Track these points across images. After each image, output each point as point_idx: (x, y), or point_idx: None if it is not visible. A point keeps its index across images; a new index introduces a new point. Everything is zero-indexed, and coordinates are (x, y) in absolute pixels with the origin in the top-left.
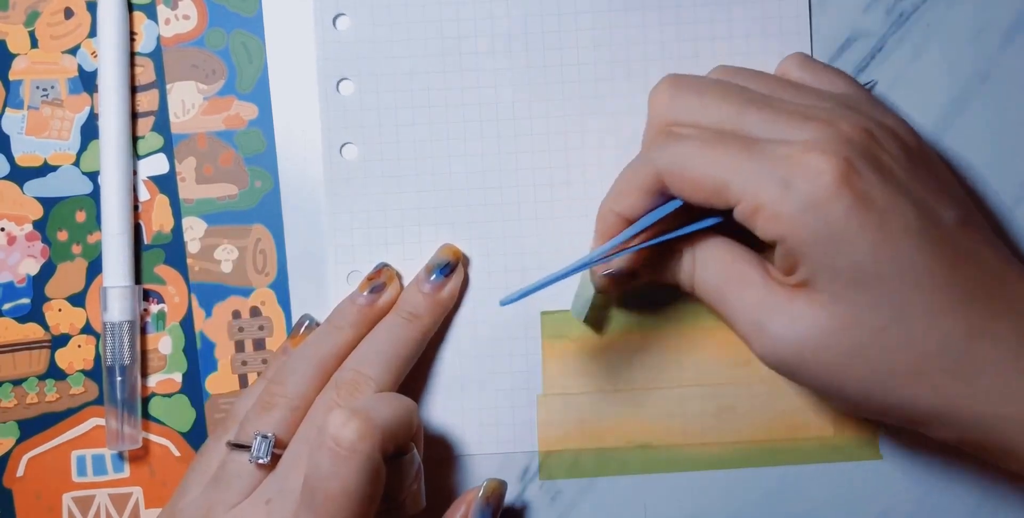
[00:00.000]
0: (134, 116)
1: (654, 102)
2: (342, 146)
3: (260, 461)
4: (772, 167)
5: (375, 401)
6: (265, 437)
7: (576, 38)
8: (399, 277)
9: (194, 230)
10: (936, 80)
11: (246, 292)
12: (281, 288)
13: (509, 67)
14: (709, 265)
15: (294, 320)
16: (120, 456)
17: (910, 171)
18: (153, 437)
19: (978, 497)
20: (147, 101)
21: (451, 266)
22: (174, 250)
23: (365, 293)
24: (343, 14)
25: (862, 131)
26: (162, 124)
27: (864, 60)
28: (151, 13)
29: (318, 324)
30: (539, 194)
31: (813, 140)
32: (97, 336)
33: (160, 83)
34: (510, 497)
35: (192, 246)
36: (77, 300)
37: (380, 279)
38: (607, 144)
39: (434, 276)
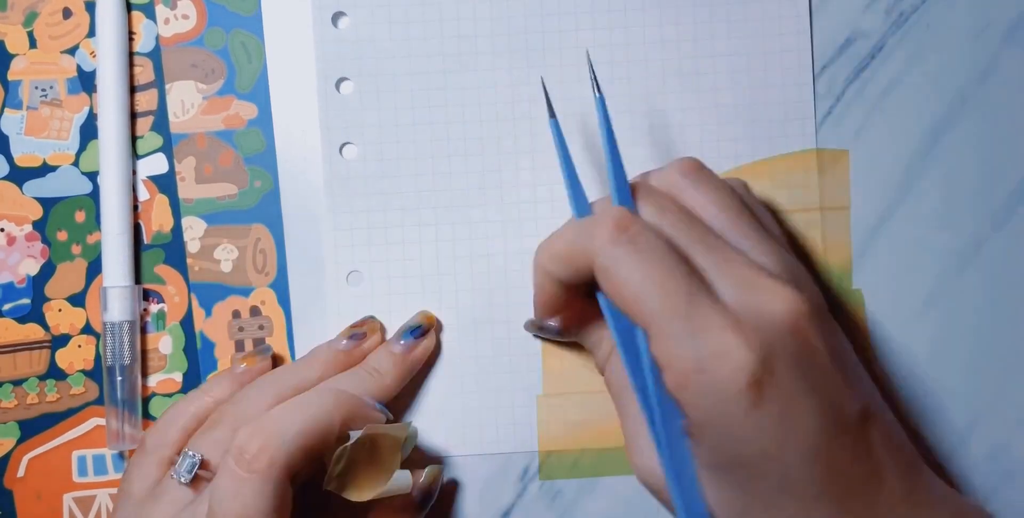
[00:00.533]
0: (133, 116)
1: (664, 179)
2: (342, 146)
3: (181, 480)
4: (701, 334)
5: (290, 409)
6: (190, 456)
7: (576, 38)
8: (383, 331)
9: (194, 230)
10: (936, 80)
11: (246, 292)
12: (281, 288)
13: (509, 67)
14: (619, 365)
15: (295, 320)
16: (121, 456)
17: (827, 364)
18: None
19: (978, 497)
20: (146, 101)
21: (423, 329)
22: (174, 250)
23: (344, 340)
24: (343, 13)
25: (799, 316)
26: (161, 124)
27: (864, 60)
28: (149, 13)
29: (270, 353)
30: (539, 194)
31: (748, 319)
32: (97, 336)
33: (159, 83)
34: (510, 497)
35: (192, 246)
36: (77, 300)
37: (362, 329)
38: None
39: (403, 339)
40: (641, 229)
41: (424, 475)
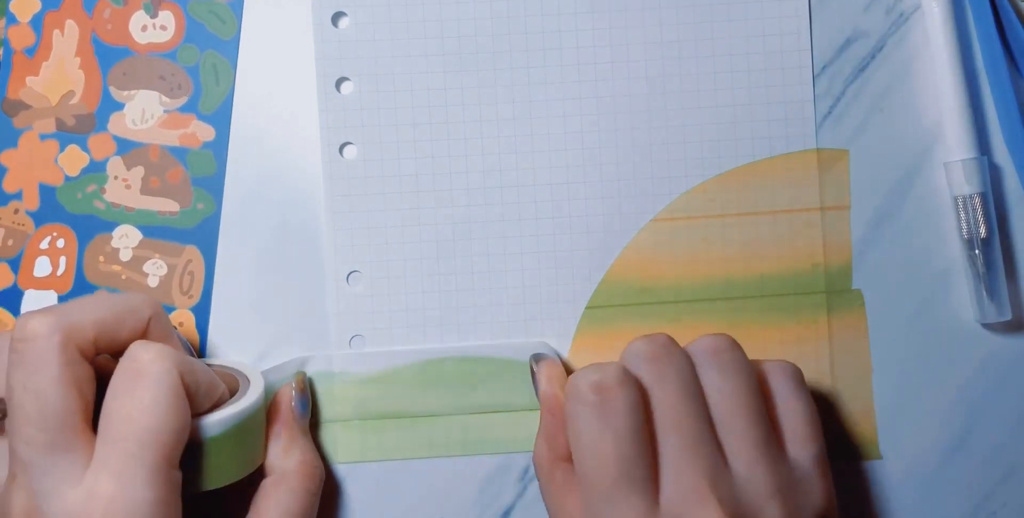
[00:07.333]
0: None
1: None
2: (342, 146)
3: None
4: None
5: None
6: None
7: (576, 38)
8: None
9: (128, 238)
10: (935, 80)
11: (167, 310)
12: (201, 314)
13: (509, 67)
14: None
15: (209, 345)
16: None
17: None
18: None
19: (978, 497)
20: None
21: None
22: None
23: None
24: (343, 13)
25: None
26: None
27: (864, 60)
28: None
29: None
30: (539, 194)
31: None
32: None
33: None
34: (510, 497)
35: (124, 254)
36: None
37: None
38: (607, 145)
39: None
40: (619, 396)
41: (294, 382)
